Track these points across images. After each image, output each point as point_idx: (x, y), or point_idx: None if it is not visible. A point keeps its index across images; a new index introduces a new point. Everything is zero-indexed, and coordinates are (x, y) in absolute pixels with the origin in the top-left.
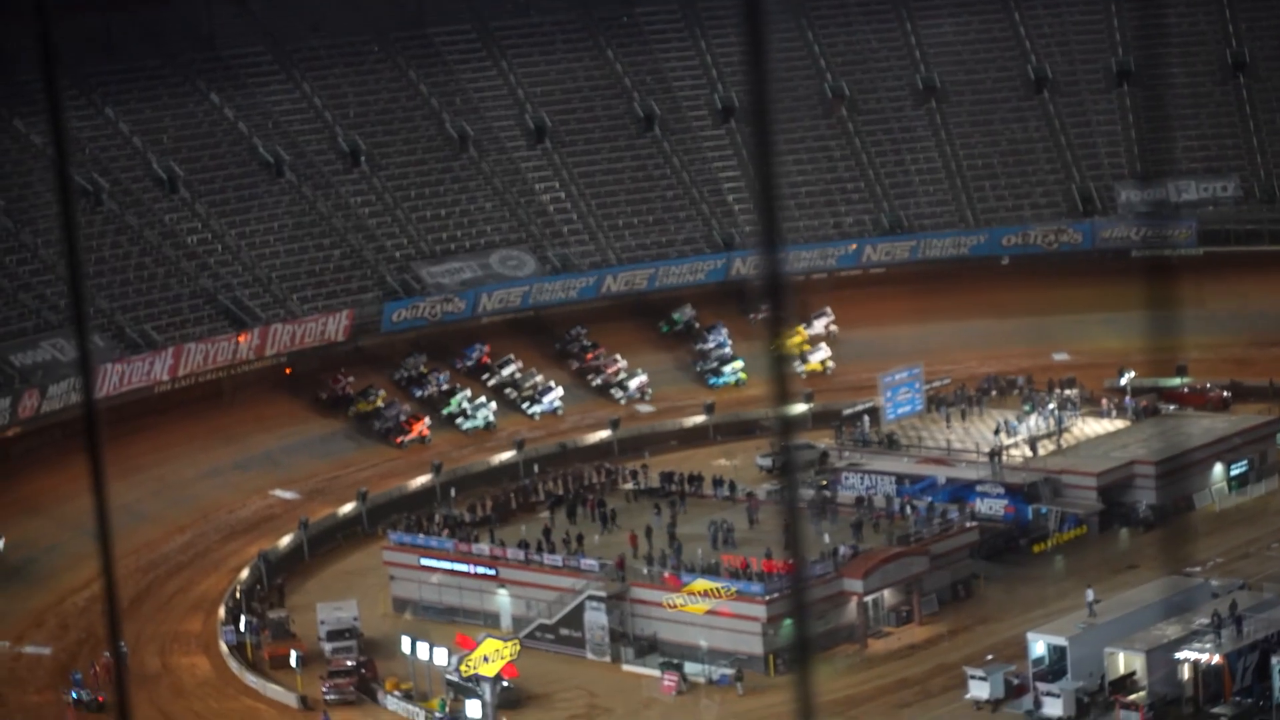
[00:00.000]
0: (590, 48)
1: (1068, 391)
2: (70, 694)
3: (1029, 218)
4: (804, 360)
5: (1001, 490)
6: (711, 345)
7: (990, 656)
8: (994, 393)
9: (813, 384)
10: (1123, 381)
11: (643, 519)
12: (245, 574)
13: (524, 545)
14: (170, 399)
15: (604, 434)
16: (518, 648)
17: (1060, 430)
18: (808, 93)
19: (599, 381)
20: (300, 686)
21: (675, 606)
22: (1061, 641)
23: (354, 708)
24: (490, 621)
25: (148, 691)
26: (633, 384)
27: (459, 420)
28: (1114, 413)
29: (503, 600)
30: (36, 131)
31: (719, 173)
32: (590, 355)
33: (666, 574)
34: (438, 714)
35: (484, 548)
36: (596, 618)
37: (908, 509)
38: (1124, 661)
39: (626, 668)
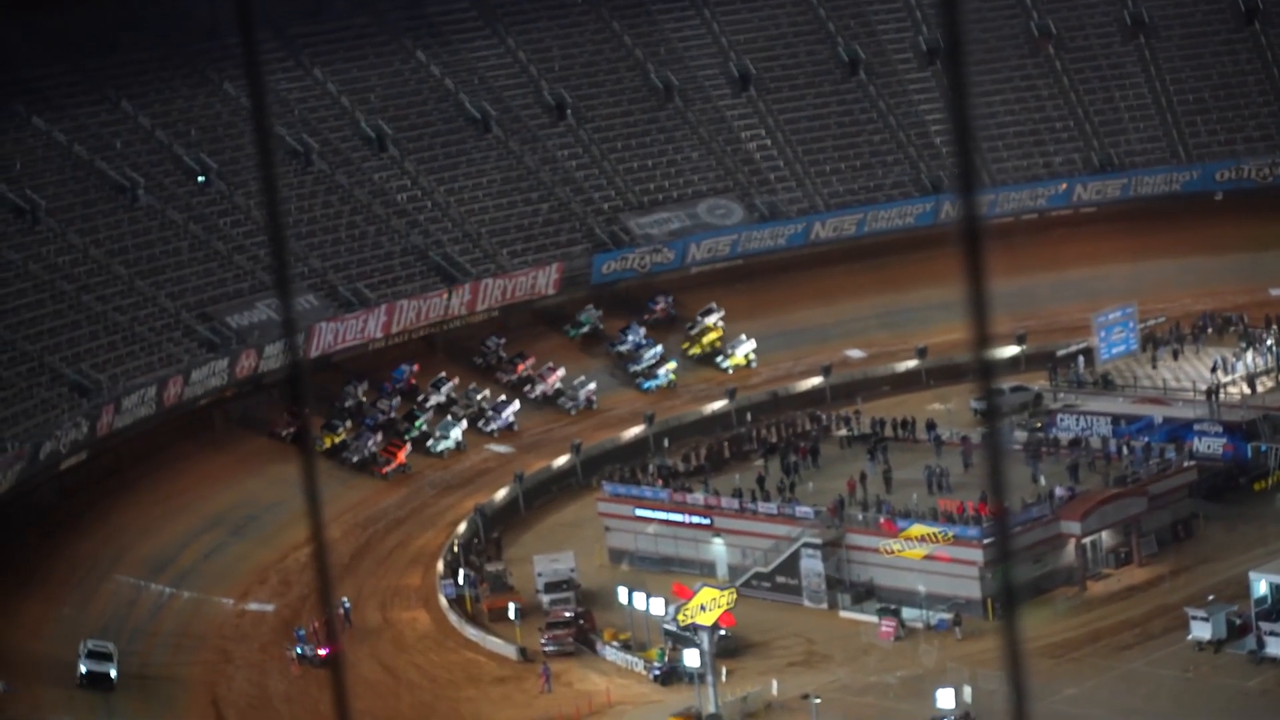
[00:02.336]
0: None
1: None
2: (294, 650)
3: (1242, 152)
4: (726, 355)
5: (1220, 428)
6: (631, 347)
7: (1211, 597)
8: (1210, 330)
9: (738, 379)
10: None
11: (856, 465)
12: (462, 528)
13: (738, 494)
14: (384, 355)
15: (816, 380)
16: (735, 596)
17: (1279, 367)
18: (1014, 32)
19: (537, 393)
20: (519, 638)
21: (892, 552)
22: None
23: (573, 659)
24: (706, 571)
25: (369, 646)
26: (581, 394)
27: (429, 443)
28: None
29: (718, 549)
30: (246, 95)
31: (925, 115)
32: (521, 366)
33: (882, 519)
34: (656, 663)
35: (698, 497)
36: (812, 565)
37: (1124, 449)
38: None
39: (844, 614)
